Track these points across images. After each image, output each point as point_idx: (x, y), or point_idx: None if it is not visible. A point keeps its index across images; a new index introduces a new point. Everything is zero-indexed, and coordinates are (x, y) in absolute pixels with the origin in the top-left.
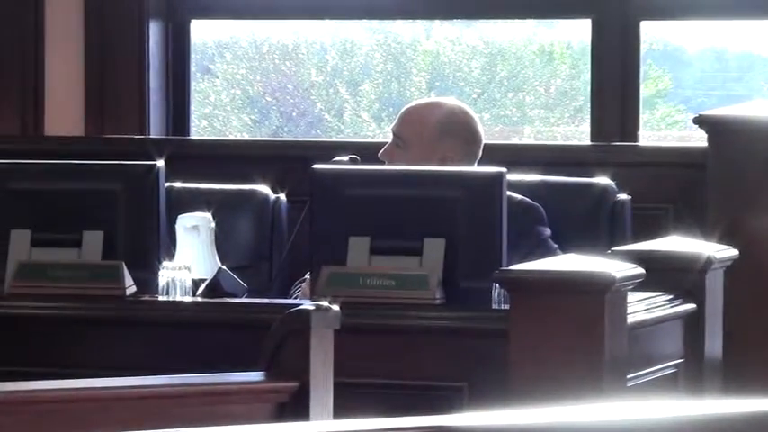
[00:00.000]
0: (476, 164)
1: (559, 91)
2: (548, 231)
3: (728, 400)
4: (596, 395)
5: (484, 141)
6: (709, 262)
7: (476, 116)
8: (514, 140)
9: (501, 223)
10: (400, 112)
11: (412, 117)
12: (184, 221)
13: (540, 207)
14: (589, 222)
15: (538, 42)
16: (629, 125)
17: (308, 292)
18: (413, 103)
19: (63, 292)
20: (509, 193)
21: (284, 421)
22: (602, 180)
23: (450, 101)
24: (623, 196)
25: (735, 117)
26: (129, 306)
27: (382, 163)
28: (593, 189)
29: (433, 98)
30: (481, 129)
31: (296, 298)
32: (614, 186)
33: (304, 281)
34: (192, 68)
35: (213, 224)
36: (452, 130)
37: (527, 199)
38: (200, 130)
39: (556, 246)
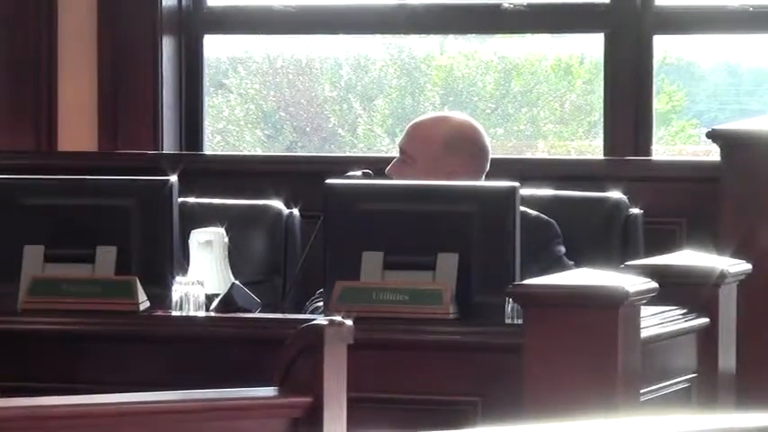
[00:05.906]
0: (483, 177)
1: (573, 106)
2: (563, 249)
3: (742, 415)
4: (610, 410)
5: (491, 155)
6: (722, 276)
7: (482, 129)
8: (528, 155)
9: (514, 238)
10: (407, 128)
11: (418, 133)
12: (198, 236)
13: (555, 223)
14: (602, 237)
15: (552, 57)
16: (642, 140)
17: None
18: (420, 119)
19: (76, 307)
20: (523, 208)
21: None
22: (615, 194)
23: (457, 115)
24: (636, 210)
25: (748, 131)
26: (143, 321)
27: (390, 178)
28: (605, 204)
29: (440, 113)
30: (488, 142)
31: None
32: (626, 201)
33: (318, 299)
34: (206, 83)
35: (226, 239)
36: (459, 146)
37: (542, 215)
38: (213, 145)
39: (572, 263)
